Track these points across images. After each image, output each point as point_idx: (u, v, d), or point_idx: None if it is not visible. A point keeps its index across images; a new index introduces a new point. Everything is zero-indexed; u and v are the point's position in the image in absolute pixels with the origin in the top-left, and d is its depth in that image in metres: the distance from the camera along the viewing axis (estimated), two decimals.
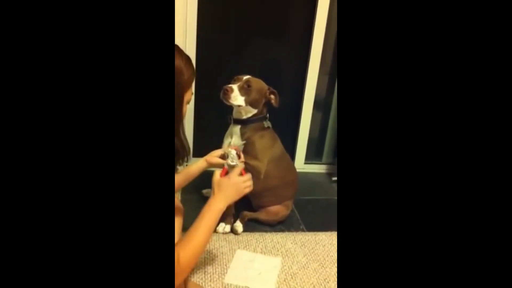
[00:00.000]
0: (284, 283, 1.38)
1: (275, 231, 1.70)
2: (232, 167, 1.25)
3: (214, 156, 1.39)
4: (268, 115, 1.71)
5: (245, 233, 1.65)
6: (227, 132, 1.71)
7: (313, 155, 2.42)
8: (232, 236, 1.62)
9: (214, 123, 1.94)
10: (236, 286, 1.32)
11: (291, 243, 1.62)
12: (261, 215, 1.74)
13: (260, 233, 1.66)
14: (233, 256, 1.48)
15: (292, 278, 1.41)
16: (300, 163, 2.36)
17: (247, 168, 1.52)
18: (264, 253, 1.53)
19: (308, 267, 1.48)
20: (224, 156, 1.36)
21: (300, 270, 1.46)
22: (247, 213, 1.72)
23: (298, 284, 1.38)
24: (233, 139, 1.67)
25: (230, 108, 1.66)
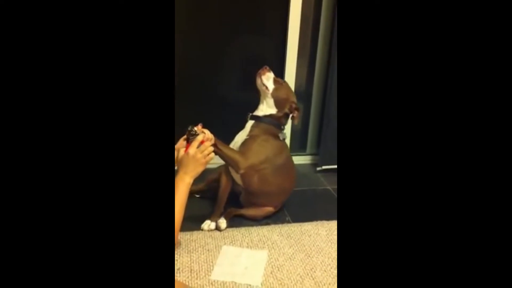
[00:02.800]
0: (271, 275, 1.39)
1: (261, 224, 1.70)
2: (192, 140, 1.29)
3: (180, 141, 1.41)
4: (284, 128, 1.72)
5: (230, 229, 1.65)
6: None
7: (297, 146, 2.43)
8: (217, 233, 1.62)
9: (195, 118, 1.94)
10: (222, 282, 1.32)
11: (277, 235, 1.63)
12: (248, 211, 1.74)
13: (246, 228, 1.66)
14: (219, 253, 1.48)
15: (278, 270, 1.42)
16: None
17: (225, 159, 1.53)
18: (251, 248, 1.54)
19: (295, 258, 1.49)
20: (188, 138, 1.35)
21: (286, 261, 1.46)
22: (232, 209, 1.72)
23: (285, 275, 1.39)
24: (240, 133, 1.67)
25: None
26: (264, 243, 1.57)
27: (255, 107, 1.71)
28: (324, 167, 2.25)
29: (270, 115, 1.67)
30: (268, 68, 1.67)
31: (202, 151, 1.27)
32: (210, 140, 1.36)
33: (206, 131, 1.37)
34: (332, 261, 1.48)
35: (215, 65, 2.16)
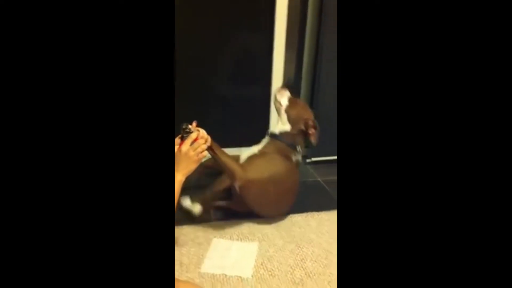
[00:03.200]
0: (262, 266, 1.39)
1: (251, 217, 1.70)
2: (186, 138, 1.29)
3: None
4: (300, 149, 1.69)
5: (221, 222, 1.65)
6: None
7: None
8: (208, 225, 1.62)
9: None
10: (213, 275, 1.33)
11: (268, 227, 1.63)
12: (236, 206, 1.69)
13: (236, 220, 1.67)
14: (209, 246, 1.48)
15: (269, 261, 1.42)
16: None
17: (221, 165, 1.48)
18: (241, 240, 1.54)
19: (285, 249, 1.49)
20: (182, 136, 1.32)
21: (276, 252, 1.47)
22: (217, 201, 1.71)
23: (275, 266, 1.40)
24: (252, 147, 1.68)
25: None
26: (254, 235, 1.57)
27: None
28: (313, 159, 2.26)
29: (286, 133, 1.66)
30: (284, 87, 1.73)
31: (195, 149, 1.27)
32: (205, 139, 1.33)
33: (202, 131, 1.35)
34: (322, 251, 1.49)
35: (204, 61, 2.15)
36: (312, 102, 2.25)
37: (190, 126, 1.32)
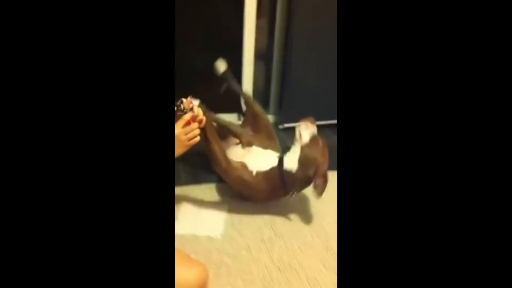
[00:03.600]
0: (232, 227, 1.43)
1: (222, 181, 1.72)
2: (179, 118, 1.19)
3: None
4: (294, 195, 1.48)
5: (192, 186, 1.67)
6: None
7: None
8: (178, 190, 1.63)
9: None
10: (182, 235, 1.35)
11: None
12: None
13: (207, 184, 1.69)
14: (179, 209, 1.51)
15: (239, 222, 1.46)
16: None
17: (209, 152, 1.42)
18: (212, 203, 1.57)
19: (256, 211, 1.53)
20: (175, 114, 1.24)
21: (247, 214, 1.51)
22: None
23: (245, 227, 1.43)
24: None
25: None
26: (224, 199, 1.60)
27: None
28: (285, 125, 2.28)
29: (289, 173, 1.40)
30: (313, 120, 1.43)
31: (187, 133, 1.15)
32: (200, 122, 1.23)
33: (198, 110, 1.23)
34: (290, 212, 1.53)
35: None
36: (284, 68, 2.26)
37: (182, 105, 1.20)
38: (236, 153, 1.56)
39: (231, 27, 2.21)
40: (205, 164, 1.83)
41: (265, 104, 2.49)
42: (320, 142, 1.40)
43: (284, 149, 1.58)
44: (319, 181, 1.36)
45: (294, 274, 1.22)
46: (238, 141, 1.64)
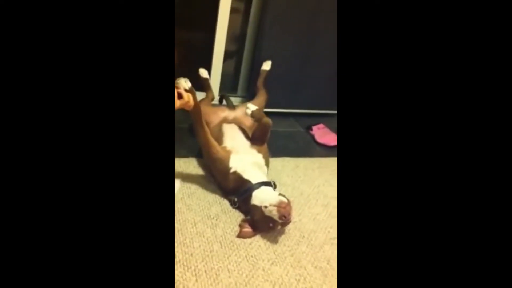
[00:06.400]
0: (181, 201, 1.44)
1: (179, 156, 1.73)
2: None
3: None
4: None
5: None
6: None
7: (228, 87, 2.44)
8: None
9: None
10: None
11: (193, 167, 1.68)
12: None
13: None
14: None
15: (188, 197, 1.47)
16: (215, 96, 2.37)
17: (200, 140, 1.50)
18: None
19: (207, 187, 1.54)
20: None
21: (197, 190, 1.52)
22: None
23: (194, 202, 1.45)
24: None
25: None
26: (179, 173, 1.60)
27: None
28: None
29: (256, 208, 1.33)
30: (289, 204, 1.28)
31: (181, 104, 1.22)
32: (189, 106, 1.29)
33: (188, 96, 1.29)
34: None
35: None
36: (255, 52, 2.26)
37: (176, 83, 1.25)
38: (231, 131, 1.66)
39: (207, 10, 2.20)
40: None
41: (234, 87, 2.50)
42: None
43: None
44: (280, 221, 1.26)
45: (234, 250, 1.25)
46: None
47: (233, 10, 2.20)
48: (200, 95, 1.90)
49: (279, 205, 1.24)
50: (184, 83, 1.38)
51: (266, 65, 2.12)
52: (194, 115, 1.44)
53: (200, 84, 2.00)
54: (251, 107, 1.54)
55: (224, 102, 2.11)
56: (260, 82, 2.10)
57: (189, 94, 1.31)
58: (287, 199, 1.28)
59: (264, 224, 1.30)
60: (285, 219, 1.23)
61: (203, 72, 2.03)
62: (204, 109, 1.70)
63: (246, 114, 1.55)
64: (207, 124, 1.59)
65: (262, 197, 1.33)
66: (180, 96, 1.26)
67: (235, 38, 2.35)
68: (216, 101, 2.17)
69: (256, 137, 1.59)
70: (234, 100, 2.44)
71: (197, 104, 1.41)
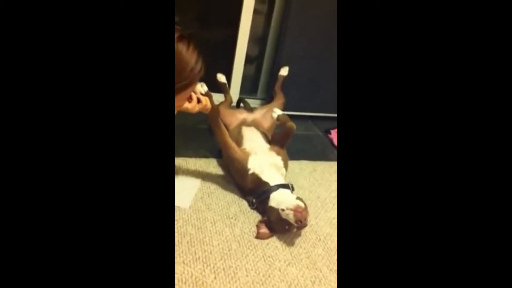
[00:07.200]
0: (201, 200, 1.48)
1: (199, 156, 1.77)
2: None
3: None
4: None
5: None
6: None
7: (248, 90, 2.48)
8: None
9: None
10: None
11: (213, 167, 1.72)
12: None
13: (183, 158, 1.73)
14: None
15: (208, 196, 1.51)
16: (234, 98, 2.40)
17: (218, 139, 1.55)
18: (186, 176, 1.62)
19: (226, 187, 1.58)
20: None
21: (217, 189, 1.56)
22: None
23: (214, 201, 1.49)
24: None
25: None
26: (199, 173, 1.65)
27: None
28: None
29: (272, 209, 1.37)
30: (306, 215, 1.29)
31: (194, 107, 1.23)
32: (207, 109, 1.32)
33: (206, 100, 1.31)
34: None
35: None
36: (276, 54, 2.29)
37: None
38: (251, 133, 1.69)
39: (229, 12, 2.24)
40: (184, 137, 1.88)
41: (254, 89, 2.53)
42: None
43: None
44: (297, 224, 1.28)
45: (252, 250, 1.28)
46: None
47: (255, 12, 2.23)
48: (219, 98, 1.94)
49: (295, 209, 1.26)
50: (200, 88, 1.43)
51: (284, 71, 2.13)
52: (211, 117, 1.50)
53: (218, 88, 2.04)
54: (277, 111, 1.58)
55: (242, 105, 2.14)
56: (277, 86, 2.13)
57: (206, 98, 1.34)
58: (304, 204, 1.31)
59: (280, 226, 1.33)
60: (301, 224, 1.26)
61: (220, 77, 2.06)
62: (223, 111, 1.78)
63: (271, 117, 1.60)
64: (226, 126, 1.64)
65: (279, 200, 1.36)
66: (199, 101, 1.29)
67: (257, 40, 2.38)
68: (234, 103, 2.21)
69: (276, 140, 1.62)
70: (253, 102, 2.48)
71: (214, 106, 1.45)
